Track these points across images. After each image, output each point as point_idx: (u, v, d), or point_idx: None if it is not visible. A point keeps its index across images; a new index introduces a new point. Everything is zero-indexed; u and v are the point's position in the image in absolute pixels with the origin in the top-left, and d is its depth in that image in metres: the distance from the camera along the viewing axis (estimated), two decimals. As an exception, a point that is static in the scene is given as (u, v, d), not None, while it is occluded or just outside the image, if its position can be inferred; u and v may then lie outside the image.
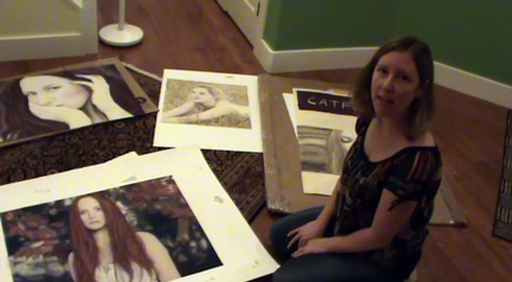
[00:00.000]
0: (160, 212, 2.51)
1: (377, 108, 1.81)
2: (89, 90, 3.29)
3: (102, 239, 2.33)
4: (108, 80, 3.41)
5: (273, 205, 2.62)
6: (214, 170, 2.81)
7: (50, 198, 2.50)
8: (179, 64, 3.73)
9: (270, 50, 3.76)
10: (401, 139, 1.82)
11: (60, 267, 2.18)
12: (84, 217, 2.43)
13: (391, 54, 1.75)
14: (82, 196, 2.53)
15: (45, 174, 2.65)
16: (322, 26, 3.79)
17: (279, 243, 2.31)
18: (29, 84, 3.27)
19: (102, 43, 3.82)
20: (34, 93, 3.19)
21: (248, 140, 3.09)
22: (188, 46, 4.01)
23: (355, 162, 1.99)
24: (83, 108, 3.13)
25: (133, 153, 2.84)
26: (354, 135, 2.11)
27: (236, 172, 2.84)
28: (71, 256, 2.23)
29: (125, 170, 2.72)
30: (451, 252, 2.56)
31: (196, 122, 3.17)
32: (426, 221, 1.99)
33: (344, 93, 3.50)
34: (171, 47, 3.97)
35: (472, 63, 3.81)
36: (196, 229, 2.44)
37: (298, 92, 3.53)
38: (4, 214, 2.38)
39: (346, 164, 2.04)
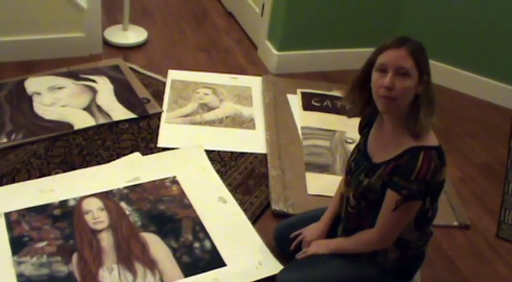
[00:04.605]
0: (164, 212, 2.51)
1: (380, 107, 1.81)
2: (93, 91, 3.29)
3: (106, 240, 2.33)
4: (113, 80, 3.41)
5: (276, 206, 2.62)
6: (218, 171, 2.81)
7: (54, 198, 2.50)
8: (183, 65, 3.74)
9: (274, 51, 3.77)
10: (405, 139, 1.83)
11: (64, 268, 2.19)
12: (88, 217, 2.43)
13: (387, 52, 1.77)
14: (86, 196, 2.53)
15: (49, 175, 2.65)
16: (327, 27, 3.79)
17: (282, 244, 2.30)
18: (33, 84, 3.27)
19: (106, 44, 3.82)
20: (38, 93, 3.20)
21: (252, 140, 3.09)
22: (192, 47, 4.01)
23: (359, 164, 1.99)
24: (87, 109, 3.14)
25: (137, 154, 2.85)
26: (358, 137, 2.11)
27: (240, 173, 2.84)
28: (74, 256, 2.24)
29: (128, 170, 2.73)
30: (455, 253, 2.56)
31: (200, 123, 3.17)
32: (430, 222, 1.98)
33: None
34: (175, 47, 3.97)
35: (475, 64, 3.80)
36: (200, 230, 2.44)
37: (303, 93, 3.53)
38: (8, 214, 2.39)
39: (350, 165, 2.04)
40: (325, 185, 2.76)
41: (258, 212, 2.62)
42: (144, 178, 2.69)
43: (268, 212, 2.63)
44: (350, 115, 2.03)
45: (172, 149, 2.92)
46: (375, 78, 1.80)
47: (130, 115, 3.12)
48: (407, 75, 1.75)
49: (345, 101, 1.97)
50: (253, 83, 3.62)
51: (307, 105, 3.42)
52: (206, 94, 3.44)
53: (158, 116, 3.16)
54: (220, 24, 4.39)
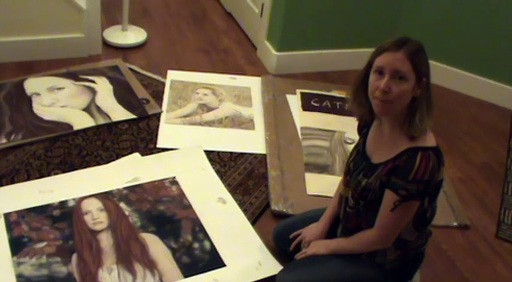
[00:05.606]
0: (163, 213, 2.51)
1: (376, 109, 1.82)
2: (93, 91, 3.29)
3: (106, 240, 2.33)
4: (112, 81, 3.41)
5: (276, 206, 2.62)
6: (218, 171, 2.81)
7: (54, 199, 2.50)
8: (183, 65, 3.74)
9: (274, 51, 3.76)
10: (403, 140, 1.83)
11: (63, 268, 2.18)
12: (87, 218, 2.43)
13: (385, 55, 1.76)
14: (85, 197, 2.53)
15: (48, 175, 2.65)
16: (326, 28, 3.79)
17: (282, 245, 2.31)
18: (32, 85, 3.27)
19: (105, 44, 3.82)
20: (38, 94, 3.20)
21: (251, 141, 3.09)
22: (192, 47, 4.01)
23: (358, 164, 1.99)
24: (87, 109, 3.14)
25: (136, 154, 2.85)
26: (357, 137, 2.11)
27: (239, 173, 2.84)
28: (74, 257, 2.24)
29: (128, 171, 2.72)
30: (454, 254, 2.56)
31: (200, 123, 3.17)
32: (429, 222, 1.99)
33: (347, 95, 3.50)
34: (174, 48, 3.97)
35: (475, 64, 3.80)
36: (199, 230, 2.44)
37: (302, 93, 3.53)
38: (8, 215, 2.39)
39: (349, 166, 2.04)
40: (324, 186, 2.76)
41: (257, 212, 2.62)
42: (144, 179, 2.69)
43: (268, 212, 2.63)
44: (359, 118, 2.04)
45: (172, 149, 2.92)
46: (372, 80, 1.80)
47: (130, 116, 3.12)
48: (404, 78, 1.74)
49: (351, 104, 1.96)
50: (253, 84, 3.62)
51: (306, 106, 3.42)
52: (205, 94, 3.43)
53: (157, 116, 3.16)
54: (219, 24, 4.39)
